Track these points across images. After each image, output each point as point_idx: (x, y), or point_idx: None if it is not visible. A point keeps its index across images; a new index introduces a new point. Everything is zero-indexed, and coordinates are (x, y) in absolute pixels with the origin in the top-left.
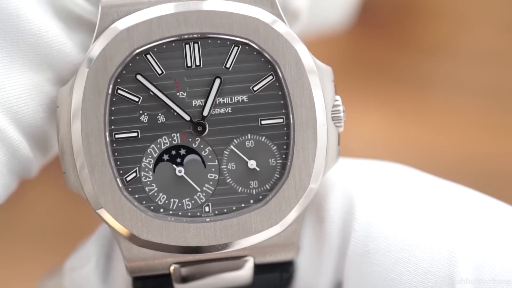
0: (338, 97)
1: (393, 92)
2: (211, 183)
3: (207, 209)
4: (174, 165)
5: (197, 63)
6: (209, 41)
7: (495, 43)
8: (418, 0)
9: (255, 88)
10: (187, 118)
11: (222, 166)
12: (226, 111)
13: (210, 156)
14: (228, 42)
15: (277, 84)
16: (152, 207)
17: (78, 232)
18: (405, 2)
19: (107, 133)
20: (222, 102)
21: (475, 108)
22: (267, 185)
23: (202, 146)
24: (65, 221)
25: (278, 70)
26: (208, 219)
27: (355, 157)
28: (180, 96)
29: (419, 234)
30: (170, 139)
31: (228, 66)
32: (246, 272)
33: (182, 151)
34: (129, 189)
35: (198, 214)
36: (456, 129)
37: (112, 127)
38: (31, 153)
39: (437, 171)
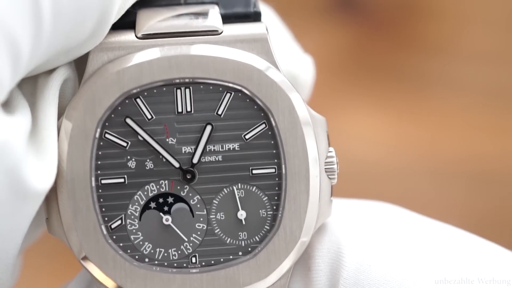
0: (331, 149)
1: (393, 92)
2: (199, 233)
3: (194, 260)
4: (161, 213)
5: (188, 109)
6: (201, 86)
7: (495, 43)
8: (419, 1)
9: (247, 136)
10: (176, 165)
11: (211, 216)
12: (217, 159)
13: (198, 205)
14: (220, 88)
15: (269, 132)
16: (137, 256)
17: None
18: (406, 2)
19: (93, 178)
20: (212, 150)
21: (475, 108)
22: (256, 237)
23: (190, 194)
24: None
25: (271, 119)
26: (194, 271)
27: (355, 157)
28: (170, 142)
29: (411, 281)
30: (158, 186)
31: (220, 113)
32: None
33: (170, 199)
34: (114, 237)
35: (185, 265)
36: (456, 129)
37: (99, 172)
38: None
39: (437, 171)
